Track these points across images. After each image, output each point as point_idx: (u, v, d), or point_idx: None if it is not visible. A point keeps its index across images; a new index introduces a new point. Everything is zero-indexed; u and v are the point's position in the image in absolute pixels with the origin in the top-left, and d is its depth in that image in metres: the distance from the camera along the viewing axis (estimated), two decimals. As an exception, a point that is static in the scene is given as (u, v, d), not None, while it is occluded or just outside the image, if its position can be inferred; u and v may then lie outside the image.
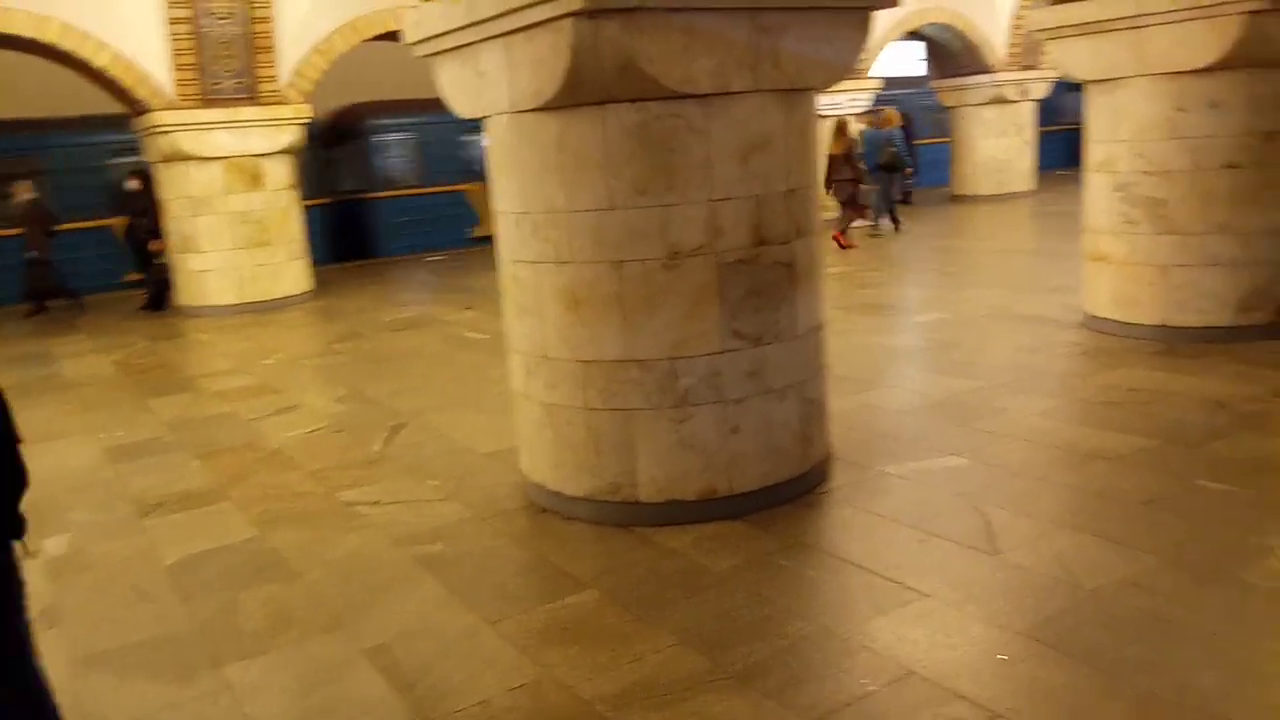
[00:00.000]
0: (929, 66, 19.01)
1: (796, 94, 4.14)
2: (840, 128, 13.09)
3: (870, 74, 16.42)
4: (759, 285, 4.11)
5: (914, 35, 17.51)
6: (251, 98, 11.54)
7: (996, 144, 17.91)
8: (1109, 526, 3.85)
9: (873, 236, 13.87)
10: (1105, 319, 7.02)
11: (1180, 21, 6.15)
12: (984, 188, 17.91)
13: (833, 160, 12.93)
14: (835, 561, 3.78)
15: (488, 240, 16.28)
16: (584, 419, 4.21)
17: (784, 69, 3.97)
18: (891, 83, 17.91)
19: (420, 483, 5.05)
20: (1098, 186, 6.96)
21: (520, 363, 4.50)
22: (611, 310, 4.05)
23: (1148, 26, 6.31)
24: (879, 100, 16.98)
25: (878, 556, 3.76)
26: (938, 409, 5.64)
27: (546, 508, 4.48)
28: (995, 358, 6.76)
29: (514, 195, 4.28)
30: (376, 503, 4.80)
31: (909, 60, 18.92)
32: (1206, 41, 6.08)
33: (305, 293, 12.36)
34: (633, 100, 3.84)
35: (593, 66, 3.68)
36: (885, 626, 3.22)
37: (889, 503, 4.29)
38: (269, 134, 11.68)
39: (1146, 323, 6.71)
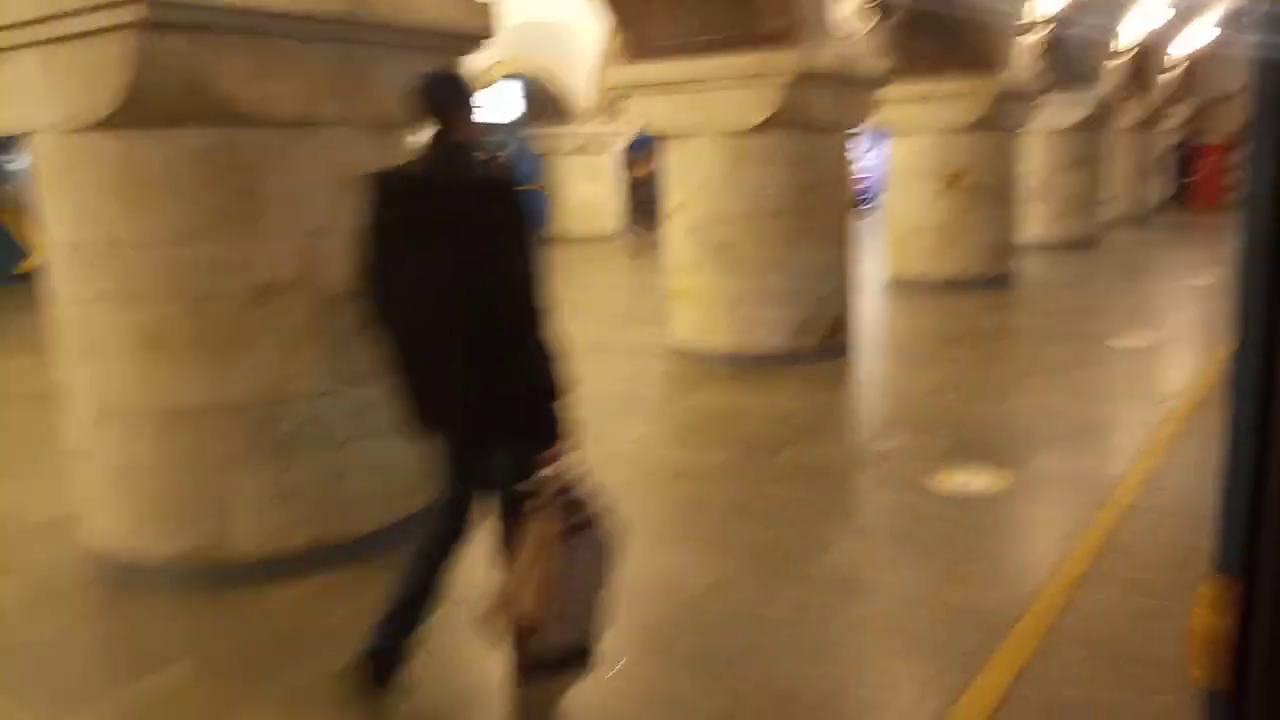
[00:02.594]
0: (525, 113, 19.81)
1: (390, 129, 4.07)
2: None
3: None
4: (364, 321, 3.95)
5: (507, 80, 18.15)
6: None
7: (586, 189, 19.09)
8: (700, 535, 4.20)
9: None
10: (688, 348, 7.72)
11: (735, 87, 7.01)
12: (577, 230, 18.99)
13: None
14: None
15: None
16: (166, 474, 3.75)
17: (374, 102, 3.88)
18: (485, 126, 18.39)
19: (-51, 568, 4.18)
20: (676, 229, 7.67)
21: (81, 416, 3.91)
22: (195, 352, 3.66)
23: (709, 91, 7.11)
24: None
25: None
26: (545, 440, 5.80)
27: (120, 580, 3.91)
28: (597, 388, 7.11)
29: (67, 224, 3.73)
30: (-115, 599, 3.89)
31: (505, 104, 19.55)
32: (755, 105, 6.98)
33: None
34: (210, 123, 3.52)
35: (157, 84, 3.32)
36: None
37: (502, 535, 4.31)
38: None
39: (721, 350, 7.49)
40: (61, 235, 3.77)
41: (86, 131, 3.55)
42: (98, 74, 3.35)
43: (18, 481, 5.33)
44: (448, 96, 2.68)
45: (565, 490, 2.54)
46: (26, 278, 14.18)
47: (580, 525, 2.51)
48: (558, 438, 2.58)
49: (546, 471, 2.55)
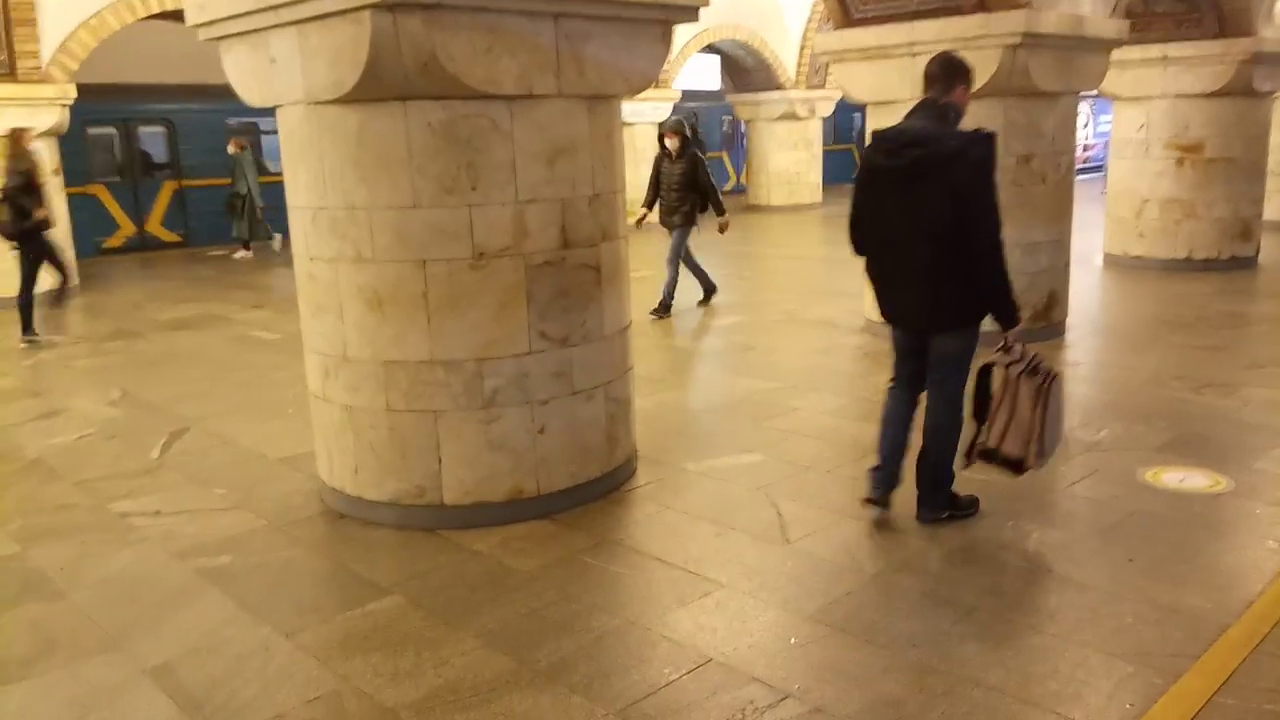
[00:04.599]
0: (723, 80, 19.78)
1: (600, 101, 4.21)
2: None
3: (672, 85, 16.89)
4: (566, 287, 4.15)
5: (710, 49, 18.17)
6: (9, 74, 10.47)
7: (788, 157, 18.87)
8: (887, 515, 4.15)
9: None
10: (882, 323, 7.53)
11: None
12: (776, 198, 18.83)
13: None
14: (640, 557, 3.87)
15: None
16: (387, 421, 4.11)
17: (587, 75, 4.03)
18: (688, 95, 18.48)
19: (205, 491, 4.76)
20: (877, 200, 7.47)
21: (318, 364, 4.33)
22: (416, 310, 3.97)
23: (919, 54, 6.86)
24: (675, 110, 17.47)
25: (679, 550, 3.89)
26: (735, 408, 5.89)
27: (345, 514, 4.33)
28: (788, 359, 7.13)
29: (310, 189, 4.12)
30: (156, 513, 4.48)
31: (706, 73, 19.58)
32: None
33: (62, 288, 11.18)
34: (437, 97, 3.78)
35: (393, 61, 3.60)
36: (686, 617, 3.33)
37: (690, 498, 4.44)
38: (27, 115, 10.59)
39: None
40: (305, 200, 4.16)
41: (330, 105, 3.90)
42: (342, 52, 3.67)
43: (263, 421, 5.95)
44: (951, 71, 3.66)
45: (1028, 355, 3.68)
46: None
47: (1044, 379, 3.66)
48: (1018, 321, 3.65)
49: (1014, 343, 3.66)
